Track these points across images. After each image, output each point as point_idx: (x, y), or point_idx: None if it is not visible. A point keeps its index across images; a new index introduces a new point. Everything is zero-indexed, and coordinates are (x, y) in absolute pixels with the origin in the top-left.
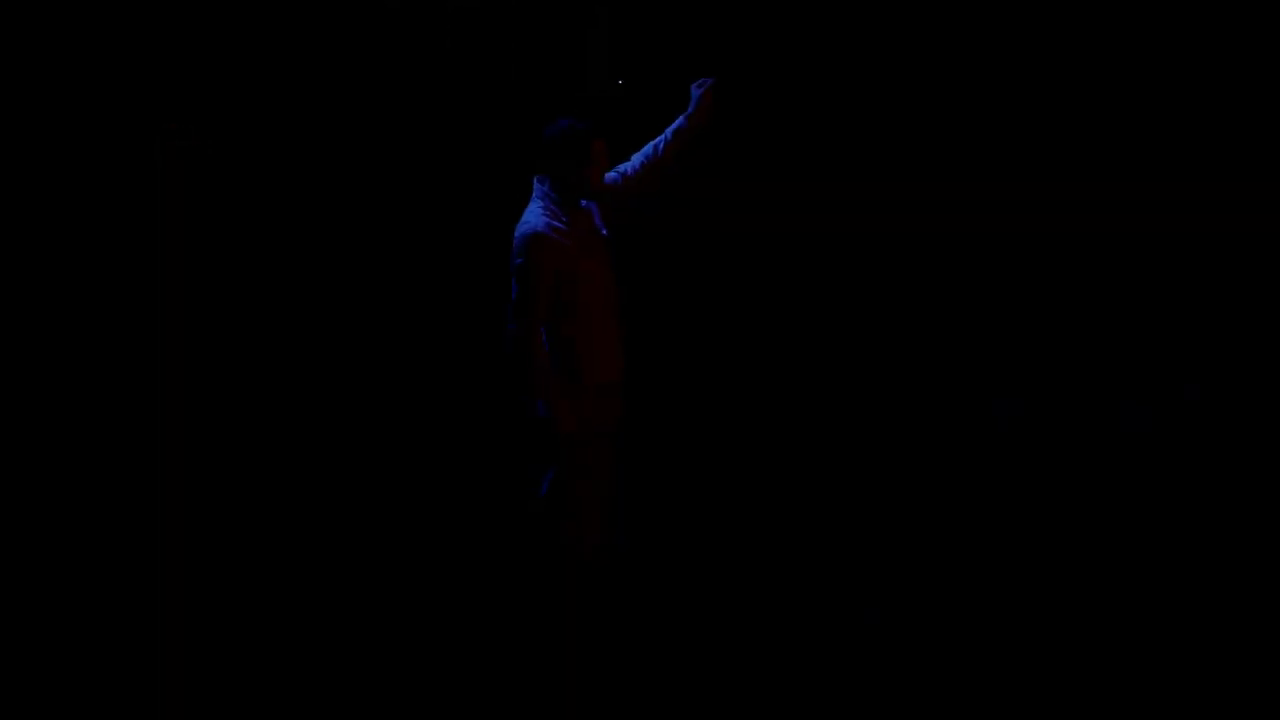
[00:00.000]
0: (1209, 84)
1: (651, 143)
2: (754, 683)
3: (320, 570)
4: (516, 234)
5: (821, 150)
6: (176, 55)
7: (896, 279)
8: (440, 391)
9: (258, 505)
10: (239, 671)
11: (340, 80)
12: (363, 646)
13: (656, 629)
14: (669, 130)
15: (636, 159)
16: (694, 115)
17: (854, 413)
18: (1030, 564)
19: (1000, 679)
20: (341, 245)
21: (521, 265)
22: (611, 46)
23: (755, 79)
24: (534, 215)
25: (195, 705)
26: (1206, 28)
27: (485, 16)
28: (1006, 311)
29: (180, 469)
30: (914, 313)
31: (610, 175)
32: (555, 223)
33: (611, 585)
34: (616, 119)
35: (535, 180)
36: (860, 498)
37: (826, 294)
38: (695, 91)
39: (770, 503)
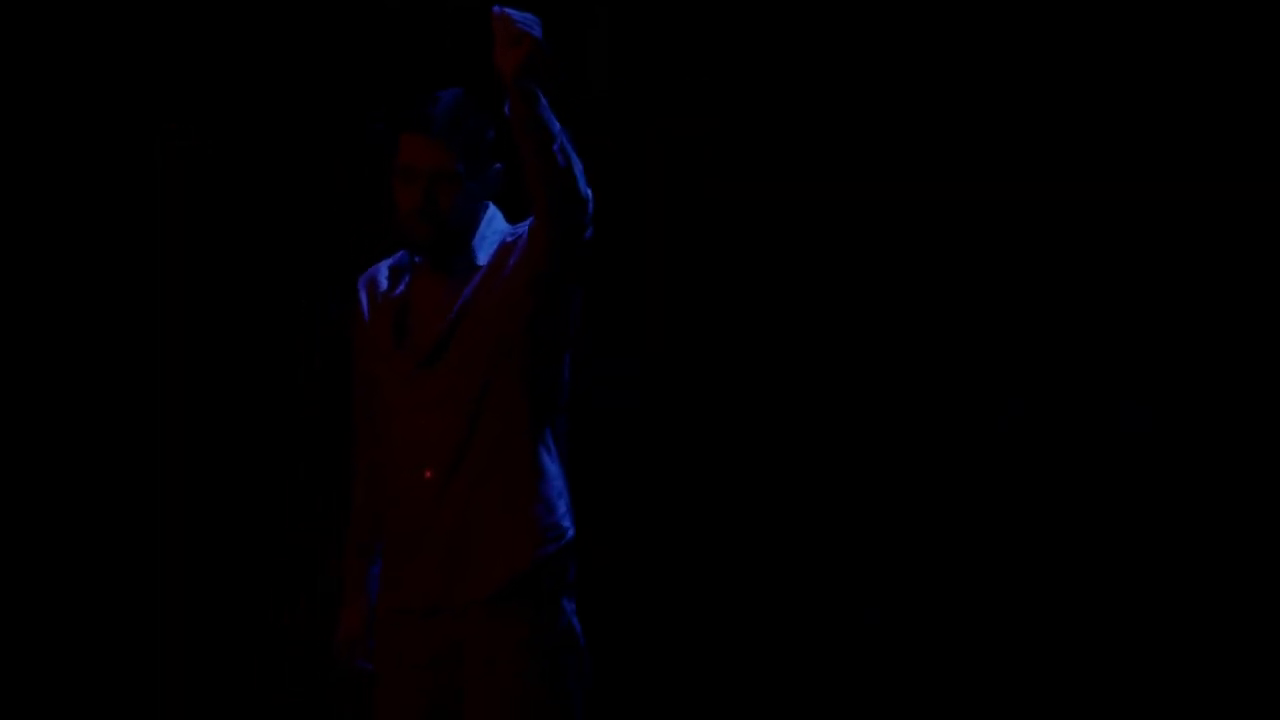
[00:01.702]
0: (1209, 84)
1: None
2: (752, 682)
3: (322, 569)
4: None
5: (821, 150)
6: (176, 55)
7: (897, 279)
8: None
9: (259, 505)
10: (240, 671)
11: (340, 80)
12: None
13: (655, 629)
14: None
15: None
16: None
17: (854, 412)
18: (1030, 564)
19: (1000, 679)
20: (342, 245)
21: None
22: (611, 46)
23: (756, 78)
24: None
25: (195, 705)
26: (1206, 27)
27: (485, 16)
28: (1006, 311)
29: (180, 469)
30: (914, 313)
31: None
32: None
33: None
34: (617, 118)
35: None
36: (860, 497)
37: (824, 294)
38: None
39: (768, 502)
